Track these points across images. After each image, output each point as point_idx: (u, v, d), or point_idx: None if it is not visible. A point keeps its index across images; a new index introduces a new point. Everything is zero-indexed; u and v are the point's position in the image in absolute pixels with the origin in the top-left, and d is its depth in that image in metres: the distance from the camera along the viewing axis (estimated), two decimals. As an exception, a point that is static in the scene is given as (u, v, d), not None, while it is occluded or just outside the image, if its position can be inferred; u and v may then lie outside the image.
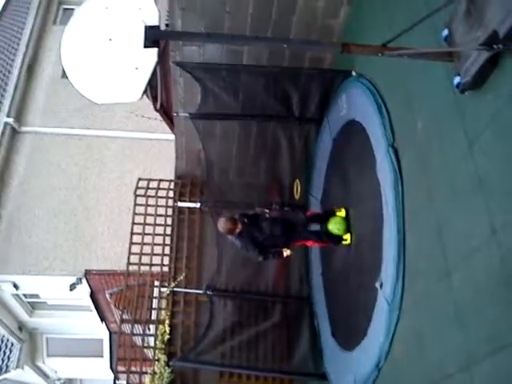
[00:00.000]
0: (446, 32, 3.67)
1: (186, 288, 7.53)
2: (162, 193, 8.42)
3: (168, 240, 8.16)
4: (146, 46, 3.17)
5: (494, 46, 3.15)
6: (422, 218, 4.11)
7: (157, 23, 3.24)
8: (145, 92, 3.40)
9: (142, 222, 8.15)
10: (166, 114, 7.89)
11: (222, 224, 5.32)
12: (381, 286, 4.65)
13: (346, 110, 5.70)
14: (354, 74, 5.59)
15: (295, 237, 5.83)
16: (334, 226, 5.65)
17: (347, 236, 5.61)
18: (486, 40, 3.19)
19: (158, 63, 3.33)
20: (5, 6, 11.71)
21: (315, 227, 6.05)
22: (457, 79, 3.53)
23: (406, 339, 4.32)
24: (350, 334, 5.47)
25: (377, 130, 4.86)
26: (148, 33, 3.18)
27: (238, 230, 5.28)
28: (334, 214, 5.78)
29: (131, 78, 3.21)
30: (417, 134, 4.21)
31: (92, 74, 3.23)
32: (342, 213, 5.72)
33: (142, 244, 8.03)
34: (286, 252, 5.57)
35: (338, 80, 5.89)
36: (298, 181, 7.37)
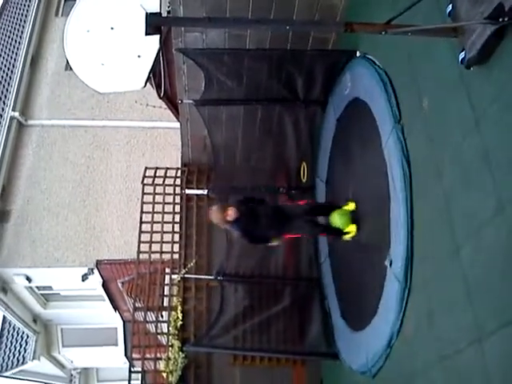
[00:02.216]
0: (450, 7, 3.64)
1: (196, 274, 7.58)
2: (169, 181, 8.45)
3: (177, 227, 8.21)
4: (147, 34, 3.17)
5: (500, 20, 3.12)
6: (430, 194, 4.10)
7: (158, 10, 3.24)
8: (148, 80, 3.41)
9: (151, 210, 8.20)
10: (171, 101, 7.90)
11: (212, 215, 5.40)
12: (390, 264, 4.67)
13: (350, 89, 5.67)
14: (358, 53, 5.56)
15: (288, 229, 5.86)
16: (338, 221, 5.55)
17: (351, 228, 5.55)
18: (492, 13, 3.16)
19: (160, 50, 3.33)
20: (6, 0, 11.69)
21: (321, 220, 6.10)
22: (462, 55, 3.51)
23: (416, 316, 4.35)
24: (359, 314, 5.50)
25: (382, 108, 4.84)
26: (149, 20, 3.18)
27: (230, 218, 5.32)
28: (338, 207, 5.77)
29: (134, 66, 3.22)
30: (423, 111, 4.19)
31: (95, 64, 3.24)
32: (350, 206, 5.65)
33: (152, 232, 8.09)
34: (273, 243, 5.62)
35: (342, 60, 5.85)
36: (304, 163, 7.36)
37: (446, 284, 3.88)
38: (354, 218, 5.62)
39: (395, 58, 4.78)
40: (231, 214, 5.31)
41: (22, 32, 10.67)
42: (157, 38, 3.16)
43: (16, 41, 10.68)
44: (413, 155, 4.41)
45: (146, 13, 3.13)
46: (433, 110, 4.06)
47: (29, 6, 10.98)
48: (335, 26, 4.23)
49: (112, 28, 3.12)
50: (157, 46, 3.20)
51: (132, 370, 7.66)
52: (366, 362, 5.24)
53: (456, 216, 3.75)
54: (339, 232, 5.67)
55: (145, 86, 3.41)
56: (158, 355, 7.38)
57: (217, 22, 3.63)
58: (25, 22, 10.74)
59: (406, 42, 4.44)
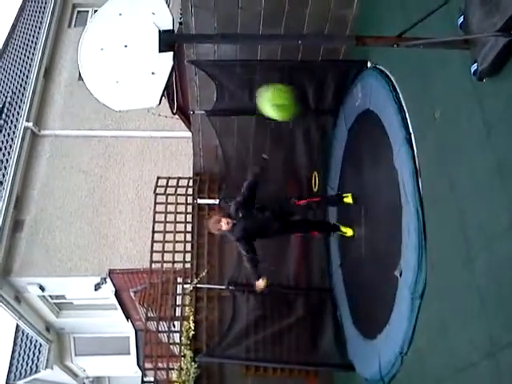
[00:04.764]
0: (461, 19, 3.66)
1: (208, 284, 7.60)
2: (181, 190, 8.51)
3: (189, 237, 8.25)
4: (161, 51, 3.21)
5: None
6: (442, 205, 4.10)
7: (170, 27, 3.28)
8: (162, 96, 3.45)
9: (163, 220, 8.25)
10: (183, 111, 7.96)
11: (209, 226, 5.59)
12: (400, 275, 4.67)
13: (361, 100, 5.70)
14: (369, 64, 5.58)
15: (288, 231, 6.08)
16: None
17: (347, 230, 5.85)
18: (504, 26, 3.17)
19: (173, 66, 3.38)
20: (19, 12, 11.86)
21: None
22: (474, 66, 3.52)
23: (429, 327, 4.33)
24: (371, 323, 5.50)
25: (393, 120, 4.85)
26: (162, 37, 3.22)
27: (224, 227, 5.43)
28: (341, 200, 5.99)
29: (148, 83, 3.26)
30: (435, 122, 4.19)
31: (109, 82, 3.29)
32: (348, 199, 5.89)
33: (164, 242, 8.14)
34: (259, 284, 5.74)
35: (353, 71, 5.87)
36: (315, 173, 7.38)
37: (459, 295, 3.86)
38: (355, 221, 5.82)
39: (406, 68, 4.79)
40: (225, 225, 5.44)
41: (35, 43, 10.83)
42: (170, 54, 3.20)
43: (30, 52, 10.84)
44: (424, 166, 4.41)
45: (159, 30, 3.17)
46: (445, 121, 4.06)
47: (42, 17, 11.14)
48: (346, 40, 4.25)
49: (126, 46, 3.17)
50: (170, 62, 3.23)
51: (144, 379, 7.69)
52: (379, 370, 5.22)
53: (469, 227, 3.74)
54: (334, 228, 6.04)
55: (159, 103, 3.44)
56: (171, 365, 7.40)
57: (229, 38, 3.67)
58: (38, 33, 10.89)
59: (417, 53, 4.44)
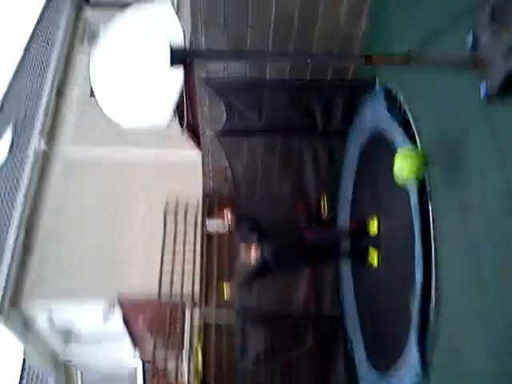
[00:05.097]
0: (470, 39, 3.66)
1: (217, 312, 7.58)
2: (190, 211, 8.55)
3: (198, 259, 8.25)
4: (172, 67, 3.25)
5: (521, 53, 3.13)
6: (454, 231, 4.08)
7: (182, 43, 3.33)
8: (172, 113, 3.50)
9: (172, 241, 8.28)
10: (193, 130, 8.07)
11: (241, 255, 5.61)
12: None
13: (371, 121, 5.71)
14: (378, 83, 5.59)
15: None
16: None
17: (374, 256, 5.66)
18: (513, 47, 3.17)
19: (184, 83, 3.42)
20: (33, 32, 12.18)
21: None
22: (484, 87, 3.51)
23: (443, 356, 4.26)
24: (385, 355, 5.43)
25: (402, 139, 4.85)
26: (174, 53, 3.28)
27: (253, 258, 5.47)
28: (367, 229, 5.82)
29: (159, 100, 3.30)
30: (445, 144, 4.18)
31: (120, 98, 3.34)
32: (374, 227, 5.74)
33: (172, 273, 8.15)
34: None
35: (362, 90, 5.90)
36: (325, 195, 7.39)
37: (474, 323, 3.82)
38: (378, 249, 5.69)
39: (416, 88, 4.82)
40: (255, 251, 5.52)
41: (48, 62, 11.01)
42: (181, 71, 3.25)
43: (43, 70, 11.02)
44: (435, 190, 4.38)
45: (171, 46, 3.22)
46: (455, 143, 4.05)
47: (55, 35, 11.33)
48: (356, 59, 4.28)
49: (137, 61, 3.21)
50: (181, 79, 3.28)
51: (151, 414, 7.65)
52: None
53: (483, 255, 3.69)
54: (362, 257, 5.82)
55: (169, 121, 3.49)
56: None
57: (239, 56, 3.73)
58: (51, 50, 11.06)
59: (426, 72, 4.47)
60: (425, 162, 4.23)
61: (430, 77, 4.44)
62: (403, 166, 4.23)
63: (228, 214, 5.68)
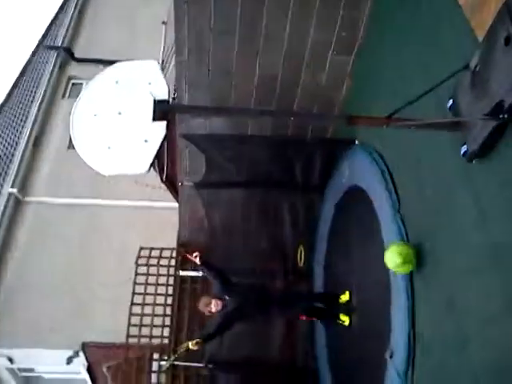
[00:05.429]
0: (450, 102, 3.72)
1: (186, 361, 7.19)
2: (163, 261, 8.28)
3: (169, 310, 7.93)
4: (154, 120, 3.18)
5: (500, 116, 3.17)
6: (433, 287, 3.98)
7: (165, 97, 3.27)
8: (152, 164, 3.40)
9: (143, 291, 7.96)
10: (170, 181, 7.93)
11: (199, 305, 5.34)
12: (391, 357, 4.45)
13: (348, 177, 5.71)
14: (356, 142, 5.64)
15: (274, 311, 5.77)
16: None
17: (345, 318, 5.54)
18: (492, 110, 3.21)
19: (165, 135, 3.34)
20: (16, 82, 12.04)
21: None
22: (464, 148, 3.54)
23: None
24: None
25: (381, 197, 4.83)
26: (157, 106, 3.21)
27: (214, 309, 5.20)
28: (337, 299, 5.69)
29: (140, 150, 3.21)
30: (425, 201, 4.16)
31: (101, 147, 3.23)
32: (345, 296, 5.61)
33: (142, 315, 7.83)
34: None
35: (341, 148, 5.93)
36: (301, 248, 7.27)
37: (454, 380, 3.65)
38: (349, 308, 5.54)
39: (395, 147, 4.83)
40: (214, 306, 5.22)
41: (28, 112, 10.87)
42: (164, 124, 3.17)
43: (22, 120, 10.85)
44: (414, 245, 4.32)
45: (154, 99, 3.15)
46: (435, 201, 4.03)
47: (38, 87, 11.27)
48: (338, 119, 4.29)
49: (120, 113, 3.14)
50: (163, 131, 3.20)
51: None
52: None
53: (461, 310, 3.61)
54: (332, 316, 5.70)
55: (149, 170, 3.39)
56: None
57: (222, 112, 3.67)
58: (32, 102, 10.97)
59: (406, 134, 4.49)
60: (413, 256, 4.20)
61: (409, 138, 4.46)
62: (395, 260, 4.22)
63: (195, 256, 5.42)
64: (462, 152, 3.56)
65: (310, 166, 6.19)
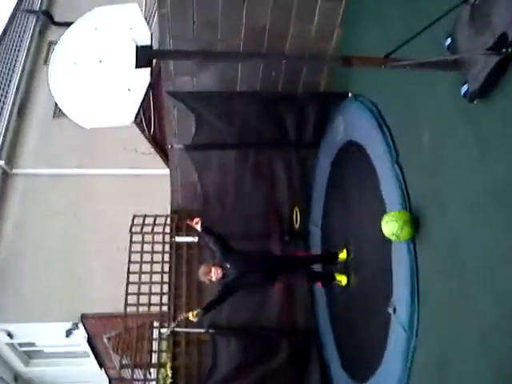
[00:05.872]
0: (448, 41, 3.54)
1: (186, 327, 7.13)
2: (158, 229, 8.16)
3: (166, 277, 7.85)
4: (138, 66, 2.99)
5: (503, 50, 3.01)
6: (435, 234, 3.88)
7: (148, 42, 3.07)
8: (138, 114, 3.22)
9: (139, 260, 7.86)
10: (160, 147, 7.74)
11: (199, 274, 5.17)
12: (394, 311, 4.38)
13: (343, 132, 5.54)
14: (350, 95, 5.46)
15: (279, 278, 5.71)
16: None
17: (342, 278, 5.51)
18: (494, 44, 3.05)
19: (150, 87, 3.16)
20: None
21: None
22: (464, 88, 3.38)
23: (426, 367, 4.02)
24: (362, 365, 5.16)
25: (378, 149, 4.68)
26: (140, 53, 3.01)
27: (214, 277, 5.05)
28: (336, 257, 5.62)
29: (123, 100, 3.03)
30: (423, 148, 4.02)
31: (82, 98, 3.05)
32: (343, 254, 5.56)
33: (140, 283, 7.73)
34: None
35: (334, 102, 5.75)
36: (297, 208, 7.14)
37: (459, 332, 3.59)
38: (348, 266, 5.47)
39: (390, 96, 4.67)
40: (215, 274, 5.05)
41: (10, 81, 10.54)
42: (147, 71, 2.98)
43: (4, 89, 10.53)
44: (414, 195, 4.20)
45: (137, 45, 2.96)
46: (434, 146, 3.89)
47: (18, 54, 10.90)
48: (332, 60, 4.11)
49: (100, 61, 2.94)
50: (148, 79, 3.02)
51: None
52: (370, 417, 4.85)
53: (466, 256, 3.51)
54: (330, 279, 5.64)
55: (135, 120, 3.22)
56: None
57: (208, 56, 3.47)
58: (13, 70, 10.62)
59: (400, 79, 4.33)
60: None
61: (404, 84, 4.30)
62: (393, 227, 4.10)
63: (196, 223, 5.27)
64: (462, 92, 3.41)
65: (302, 121, 6.00)
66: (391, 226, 4.11)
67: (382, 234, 4.28)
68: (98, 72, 2.92)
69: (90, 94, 2.92)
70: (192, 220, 5.35)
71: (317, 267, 6.12)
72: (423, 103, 4.06)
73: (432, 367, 3.93)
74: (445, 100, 3.72)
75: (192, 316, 4.99)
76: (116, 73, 2.92)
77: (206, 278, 5.10)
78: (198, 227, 5.31)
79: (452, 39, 3.50)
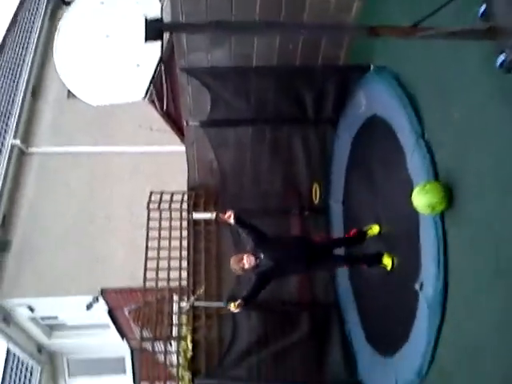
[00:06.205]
0: (483, 8, 3.19)
1: (206, 302, 7.01)
2: (175, 205, 7.97)
3: (185, 253, 7.69)
4: (147, 40, 2.71)
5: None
6: (467, 214, 3.60)
7: (157, 15, 2.78)
8: (148, 90, 2.95)
9: (157, 236, 7.70)
10: (176, 124, 7.47)
11: (232, 265, 4.83)
12: (421, 288, 4.15)
13: (366, 107, 5.21)
14: (372, 67, 5.11)
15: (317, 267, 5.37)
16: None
17: (388, 261, 4.90)
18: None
19: (161, 63, 2.88)
20: (9, 27, 11.32)
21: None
22: (501, 58, 3.04)
23: (454, 345, 3.81)
24: (388, 340, 4.97)
25: (404, 124, 4.37)
26: (149, 26, 2.73)
27: (247, 266, 4.71)
28: (365, 236, 5.16)
29: (132, 76, 2.76)
30: (453, 125, 3.71)
31: (89, 74, 2.79)
32: (375, 229, 5.12)
33: (158, 259, 7.59)
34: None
35: (354, 76, 5.39)
36: (316, 185, 6.86)
37: (490, 310, 3.35)
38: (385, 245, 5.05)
39: (416, 68, 4.33)
40: (248, 261, 4.71)
41: (23, 61, 10.31)
42: (158, 45, 2.70)
43: (18, 69, 10.30)
44: (442, 171, 3.91)
45: (146, 18, 2.67)
46: (465, 120, 3.57)
47: (30, 34, 10.64)
48: (358, 30, 3.75)
49: (108, 36, 2.66)
50: (158, 53, 2.74)
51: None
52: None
53: (500, 235, 3.24)
54: (377, 260, 5.03)
55: (145, 97, 2.95)
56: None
57: (224, 27, 3.16)
58: (26, 50, 10.38)
59: (426, 52, 4.00)
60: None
61: (431, 55, 3.96)
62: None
63: (229, 216, 4.87)
64: (498, 63, 3.07)
65: (321, 96, 5.65)
66: (429, 197, 3.77)
67: (409, 208, 4.02)
68: (105, 47, 2.64)
69: (97, 70, 2.65)
70: (224, 213, 4.96)
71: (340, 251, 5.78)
72: (452, 76, 3.72)
73: (460, 346, 3.72)
74: (477, 72, 3.39)
75: (234, 307, 4.73)
76: (124, 48, 2.64)
77: (238, 266, 4.77)
78: (232, 220, 4.91)
79: (487, 5, 3.15)
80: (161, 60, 2.80)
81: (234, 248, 6.35)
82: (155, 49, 2.65)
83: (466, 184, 3.59)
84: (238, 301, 4.77)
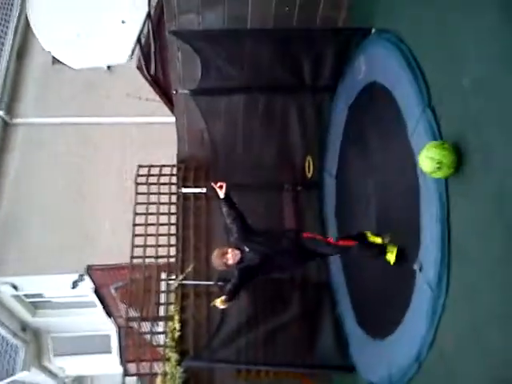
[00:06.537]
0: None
1: (195, 280, 6.81)
2: (164, 179, 7.72)
3: (173, 229, 7.47)
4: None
5: None
6: (475, 188, 3.38)
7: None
8: (134, 51, 2.67)
9: (145, 211, 7.46)
10: (165, 93, 7.17)
11: (213, 261, 4.46)
12: (420, 269, 3.96)
13: (365, 73, 4.95)
14: (373, 30, 4.83)
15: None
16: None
17: (392, 255, 4.45)
18: None
19: (149, 17, 2.60)
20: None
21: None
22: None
23: (456, 329, 3.62)
24: (380, 322, 4.81)
25: (407, 91, 4.12)
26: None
27: (231, 261, 4.34)
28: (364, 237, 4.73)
29: (117, 34, 2.49)
30: (462, 93, 3.45)
31: (69, 33, 2.51)
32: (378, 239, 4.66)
33: (146, 235, 7.37)
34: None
35: (354, 40, 5.11)
36: (309, 158, 6.63)
37: (495, 293, 3.16)
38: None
39: (421, 31, 4.07)
40: (232, 256, 4.34)
41: (6, 27, 9.87)
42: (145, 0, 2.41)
43: (1, 36, 9.87)
44: (449, 141, 3.66)
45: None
46: (478, 88, 3.30)
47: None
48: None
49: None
50: (145, 8, 2.47)
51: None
52: (389, 376, 4.53)
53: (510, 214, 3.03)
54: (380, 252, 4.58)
55: (131, 57, 2.68)
56: (155, 369, 6.63)
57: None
58: (9, 15, 9.93)
59: (434, 11, 3.73)
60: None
61: (438, 16, 3.70)
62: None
63: (220, 186, 4.45)
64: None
65: (318, 62, 5.39)
66: (444, 154, 3.44)
67: (409, 183, 3.78)
68: (86, 4, 2.36)
69: (78, 28, 2.38)
70: (216, 182, 4.55)
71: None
72: (462, 39, 3.46)
73: (465, 329, 3.52)
74: (491, 32, 3.12)
75: (220, 303, 4.34)
76: (108, 2, 2.36)
77: (221, 261, 4.38)
78: (222, 193, 4.48)
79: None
80: (148, 16, 2.52)
81: (224, 224, 6.11)
82: (142, 3, 2.37)
83: (474, 160, 3.35)
84: (223, 297, 4.39)
